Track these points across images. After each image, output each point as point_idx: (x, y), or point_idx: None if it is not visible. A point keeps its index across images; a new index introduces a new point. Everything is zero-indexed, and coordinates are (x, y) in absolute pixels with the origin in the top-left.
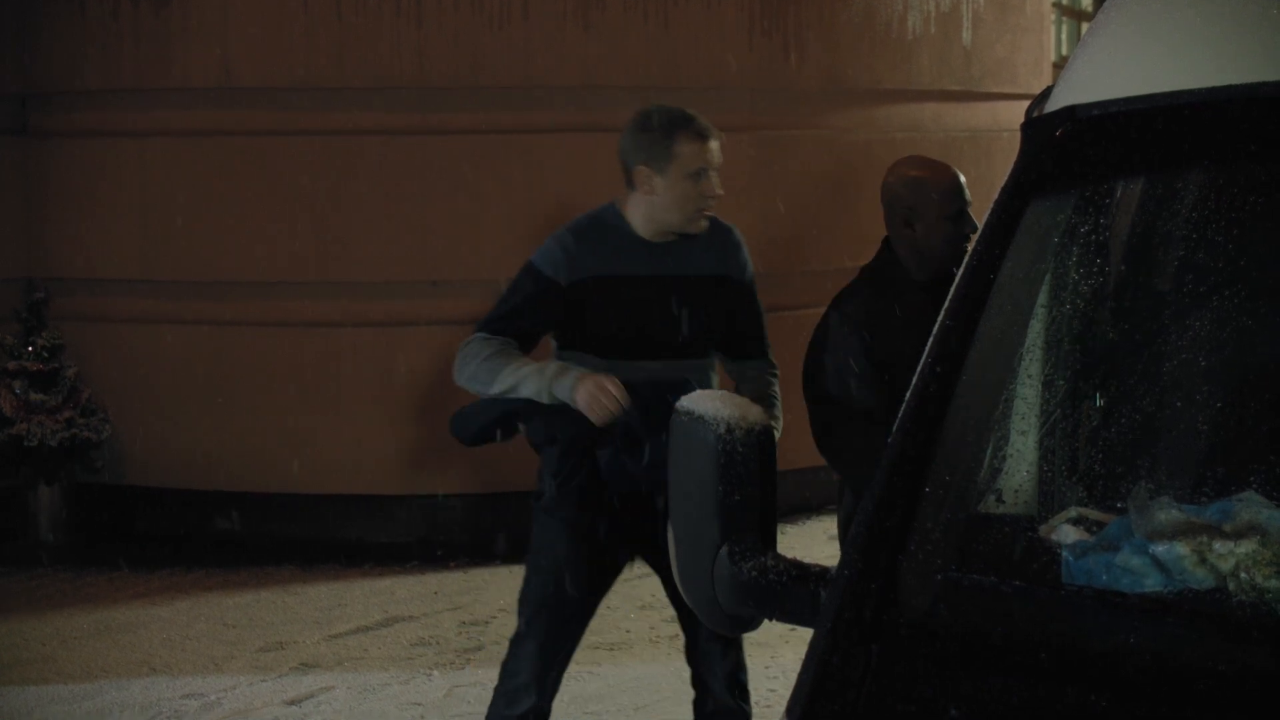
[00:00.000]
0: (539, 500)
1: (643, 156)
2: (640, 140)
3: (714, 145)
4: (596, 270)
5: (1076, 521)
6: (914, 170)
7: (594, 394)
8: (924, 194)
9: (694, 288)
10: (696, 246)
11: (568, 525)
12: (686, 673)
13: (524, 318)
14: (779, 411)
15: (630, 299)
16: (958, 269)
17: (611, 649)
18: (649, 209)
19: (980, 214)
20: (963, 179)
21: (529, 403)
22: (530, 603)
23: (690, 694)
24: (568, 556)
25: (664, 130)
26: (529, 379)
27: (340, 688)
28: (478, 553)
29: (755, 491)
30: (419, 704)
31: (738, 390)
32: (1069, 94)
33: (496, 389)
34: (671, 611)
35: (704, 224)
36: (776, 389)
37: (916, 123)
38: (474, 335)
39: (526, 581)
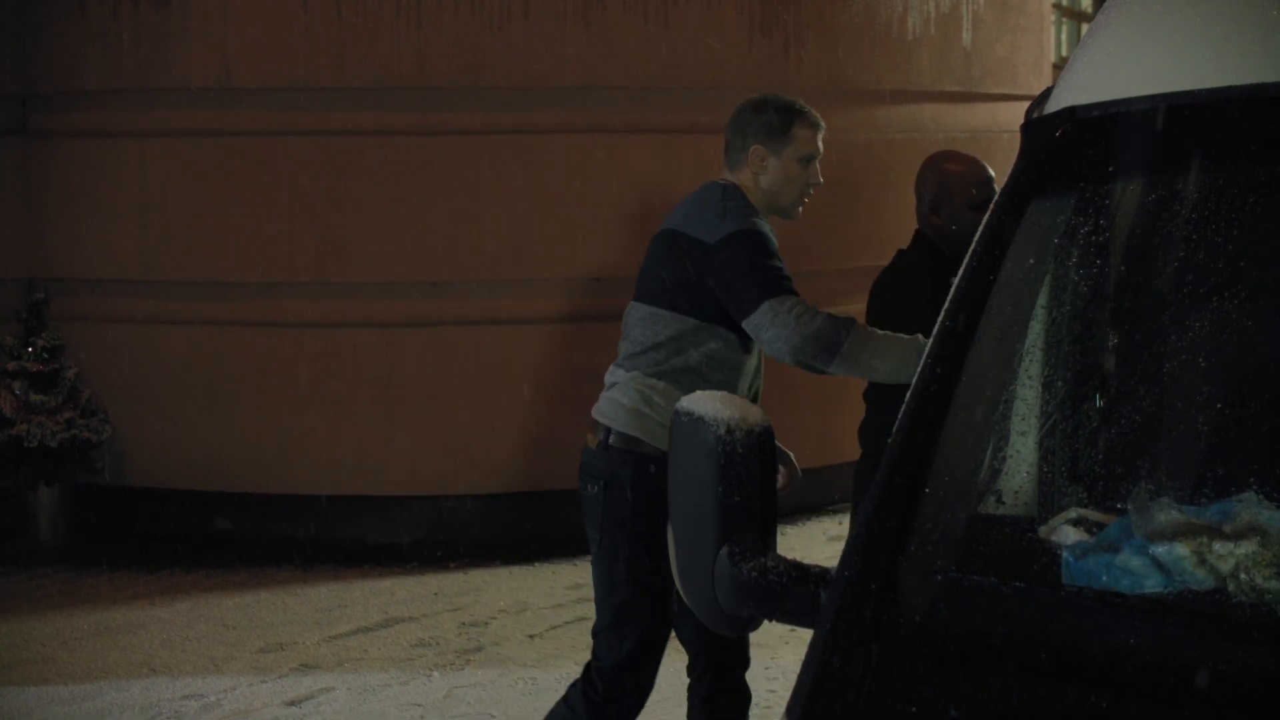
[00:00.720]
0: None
1: (760, 137)
2: (757, 122)
3: (822, 137)
4: None
5: (1076, 522)
6: (947, 163)
7: None
8: (951, 182)
9: None
10: None
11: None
12: (683, 674)
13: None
14: None
15: None
16: None
17: None
18: (759, 189)
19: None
20: (991, 173)
21: None
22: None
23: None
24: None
25: (782, 114)
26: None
27: (340, 688)
28: (478, 554)
29: (755, 492)
30: (419, 705)
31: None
32: (1069, 95)
33: (903, 373)
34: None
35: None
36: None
37: (916, 123)
38: (785, 300)
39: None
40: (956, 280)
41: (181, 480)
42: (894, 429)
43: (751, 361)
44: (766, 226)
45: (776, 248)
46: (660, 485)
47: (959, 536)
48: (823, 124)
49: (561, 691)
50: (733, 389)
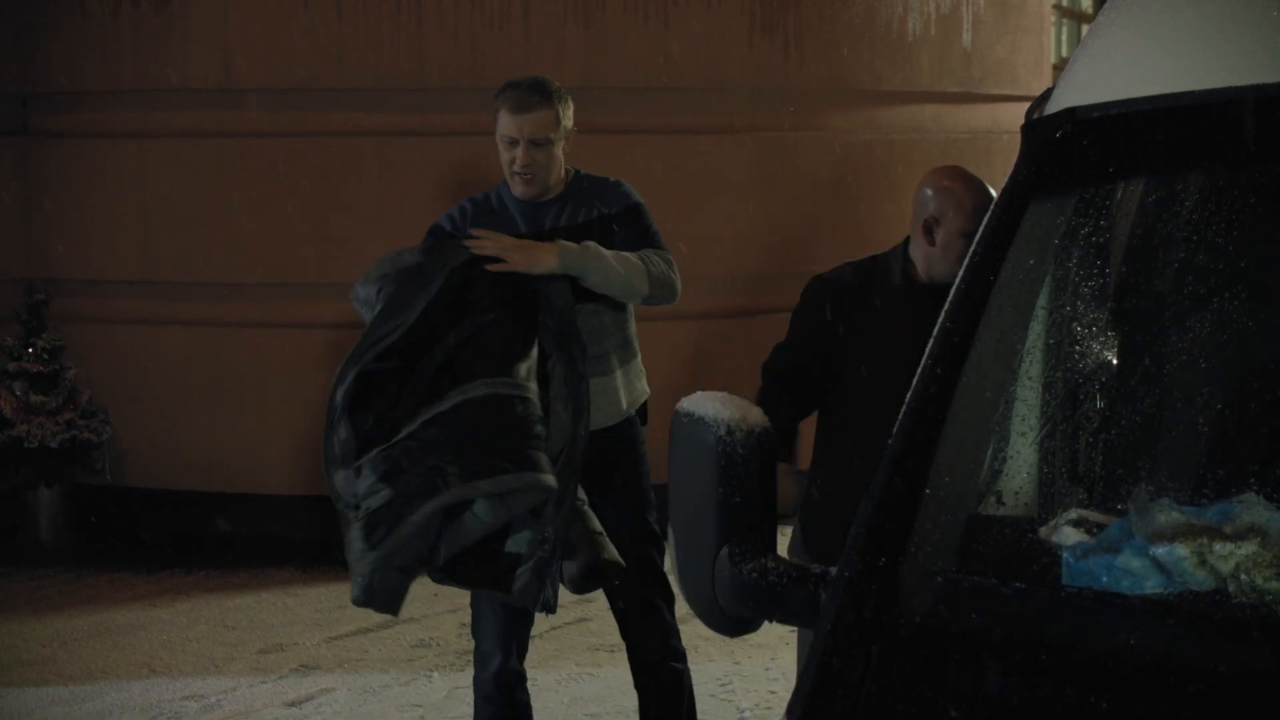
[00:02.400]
0: None
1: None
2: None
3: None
4: None
5: (1077, 523)
6: (947, 180)
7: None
8: (950, 205)
9: None
10: None
11: None
12: None
13: None
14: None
15: None
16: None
17: (611, 650)
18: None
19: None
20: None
21: None
22: None
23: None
24: None
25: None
26: None
27: (340, 689)
28: None
29: (755, 493)
30: (419, 705)
31: None
32: (1069, 95)
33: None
34: None
35: None
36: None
37: (917, 124)
38: None
39: None
40: (957, 281)
41: (182, 481)
42: (895, 430)
43: None
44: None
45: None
46: None
47: (959, 537)
48: (524, 110)
49: (561, 691)
50: None
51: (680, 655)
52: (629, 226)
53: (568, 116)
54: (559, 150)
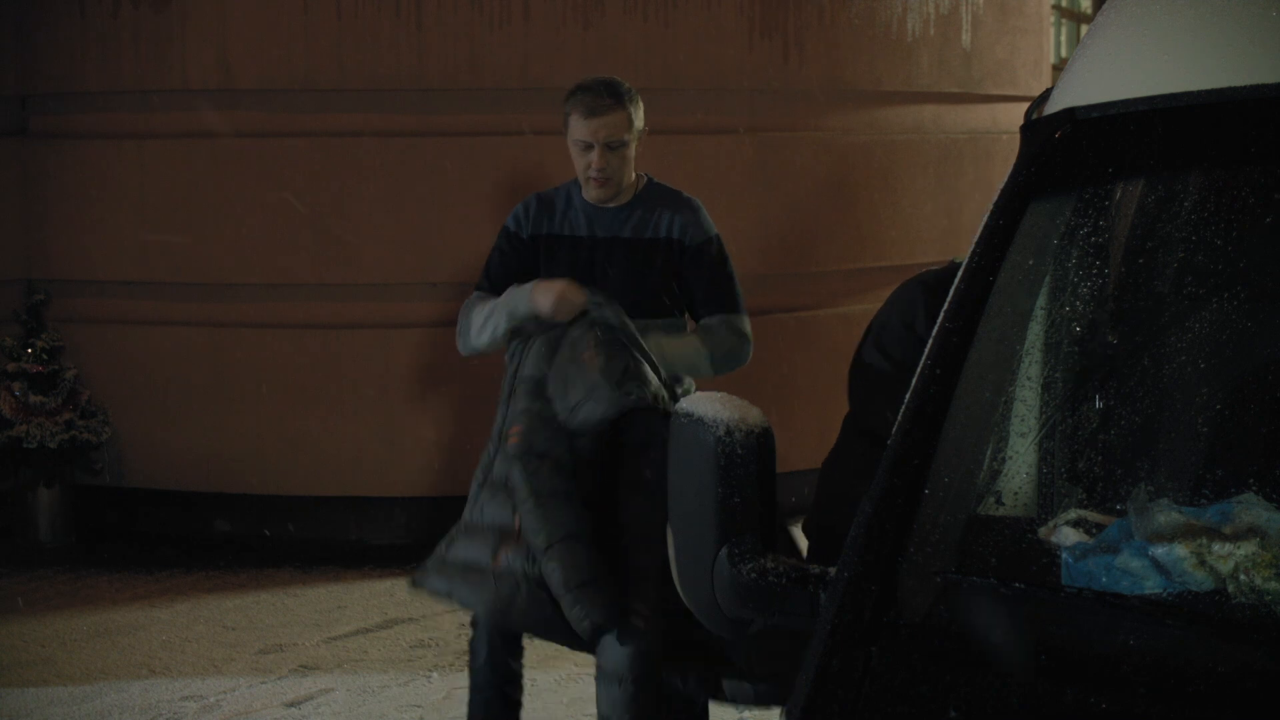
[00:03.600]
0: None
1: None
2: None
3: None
4: None
5: (1076, 523)
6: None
7: (556, 295)
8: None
9: None
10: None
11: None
12: None
13: None
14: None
15: None
16: None
17: None
18: None
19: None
20: None
21: None
22: None
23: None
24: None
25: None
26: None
27: (340, 689)
28: None
29: (755, 493)
30: (418, 706)
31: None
32: (1068, 96)
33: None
34: None
35: None
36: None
37: (916, 124)
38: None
39: None
40: (956, 281)
41: (181, 481)
42: (894, 430)
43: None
44: (521, 211)
45: (501, 240)
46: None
47: (958, 537)
48: (597, 114)
49: (560, 692)
50: None
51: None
52: (701, 270)
53: (639, 116)
54: (632, 152)
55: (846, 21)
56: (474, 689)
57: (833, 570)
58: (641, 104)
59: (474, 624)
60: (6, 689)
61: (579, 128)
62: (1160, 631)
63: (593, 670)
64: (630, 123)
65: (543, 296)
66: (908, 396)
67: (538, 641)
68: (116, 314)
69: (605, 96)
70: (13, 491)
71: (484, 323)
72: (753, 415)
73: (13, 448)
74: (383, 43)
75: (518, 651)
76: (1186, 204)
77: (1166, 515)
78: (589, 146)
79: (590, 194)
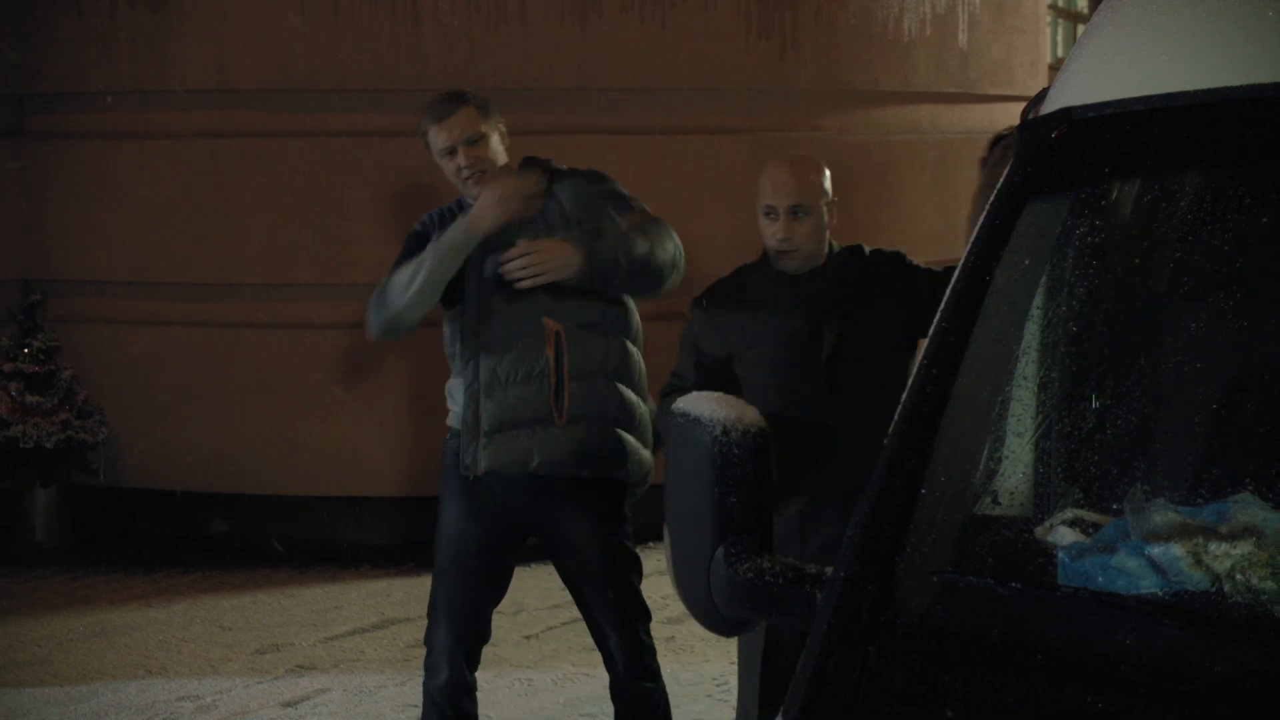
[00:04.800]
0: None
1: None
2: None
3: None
4: None
5: (1073, 523)
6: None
7: (495, 196)
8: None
9: None
10: None
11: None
12: (680, 676)
13: None
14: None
15: None
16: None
17: None
18: None
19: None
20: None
21: None
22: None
23: (684, 697)
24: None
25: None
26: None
27: (336, 689)
28: None
29: (752, 493)
30: (415, 706)
31: None
32: (1065, 96)
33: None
34: (666, 614)
35: None
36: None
37: (913, 124)
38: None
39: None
40: (952, 281)
41: (178, 482)
42: (890, 430)
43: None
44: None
45: (410, 241)
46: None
47: (955, 537)
48: (445, 116)
49: (557, 691)
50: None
51: (653, 674)
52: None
53: (492, 112)
54: (500, 145)
55: (843, 21)
56: (430, 705)
57: (829, 570)
58: (493, 105)
59: (431, 642)
60: (3, 689)
61: (436, 137)
62: (1157, 631)
63: (589, 670)
64: (481, 116)
65: (481, 208)
66: (904, 397)
67: (537, 642)
68: (113, 314)
69: (448, 102)
70: (9, 492)
71: (409, 278)
72: (749, 415)
73: (9, 448)
74: (381, 43)
75: (476, 664)
76: (1183, 204)
77: (1163, 515)
78: (452, 151)
79: (473, 194)
